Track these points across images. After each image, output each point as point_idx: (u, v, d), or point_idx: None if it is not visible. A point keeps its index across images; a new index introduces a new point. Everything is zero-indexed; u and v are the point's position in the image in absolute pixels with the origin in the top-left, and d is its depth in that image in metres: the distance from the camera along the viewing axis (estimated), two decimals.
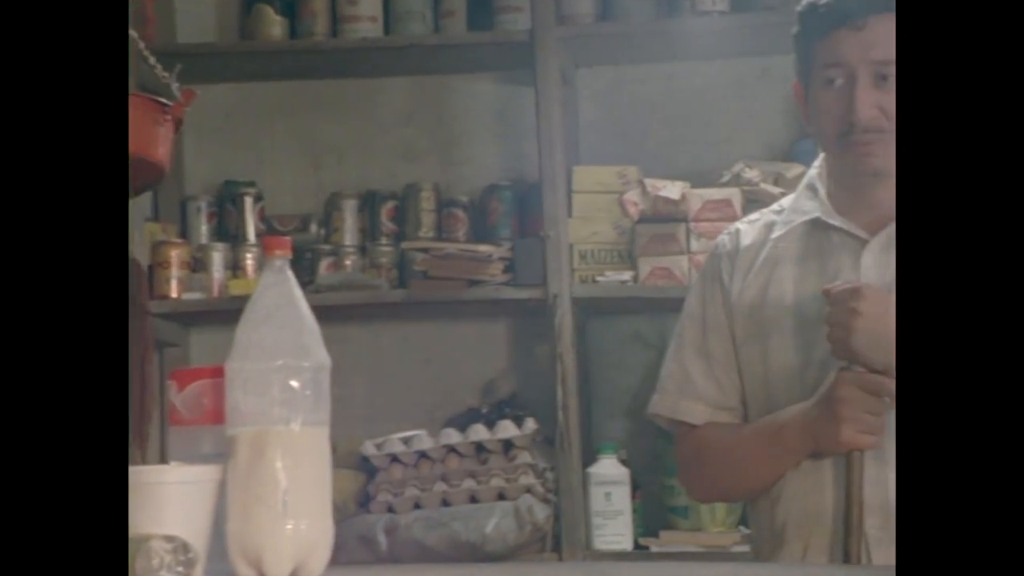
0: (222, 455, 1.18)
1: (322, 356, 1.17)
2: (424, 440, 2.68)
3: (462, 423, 2.74)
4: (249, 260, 2.89)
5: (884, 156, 1.67)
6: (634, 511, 2.77)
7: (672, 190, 2.76)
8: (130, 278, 2.19)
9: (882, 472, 1.64)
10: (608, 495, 2.73)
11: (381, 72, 3.03)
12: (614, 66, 3.01)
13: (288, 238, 1.25)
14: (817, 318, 1.68)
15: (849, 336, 1.60)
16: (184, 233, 2.99)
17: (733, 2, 2.81)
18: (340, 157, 3.09)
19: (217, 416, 1.22)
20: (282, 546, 1.14)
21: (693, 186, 2.78)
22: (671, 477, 2.72)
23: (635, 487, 2.78)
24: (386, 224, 2.98)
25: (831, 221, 1.73)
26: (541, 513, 2.63)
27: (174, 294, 2.84)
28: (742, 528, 2.71)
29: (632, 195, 2.79)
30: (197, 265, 2.88)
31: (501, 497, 2.63)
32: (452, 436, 2.68)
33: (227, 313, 1.18)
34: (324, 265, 2.93)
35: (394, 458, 2.68)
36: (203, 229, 3.00)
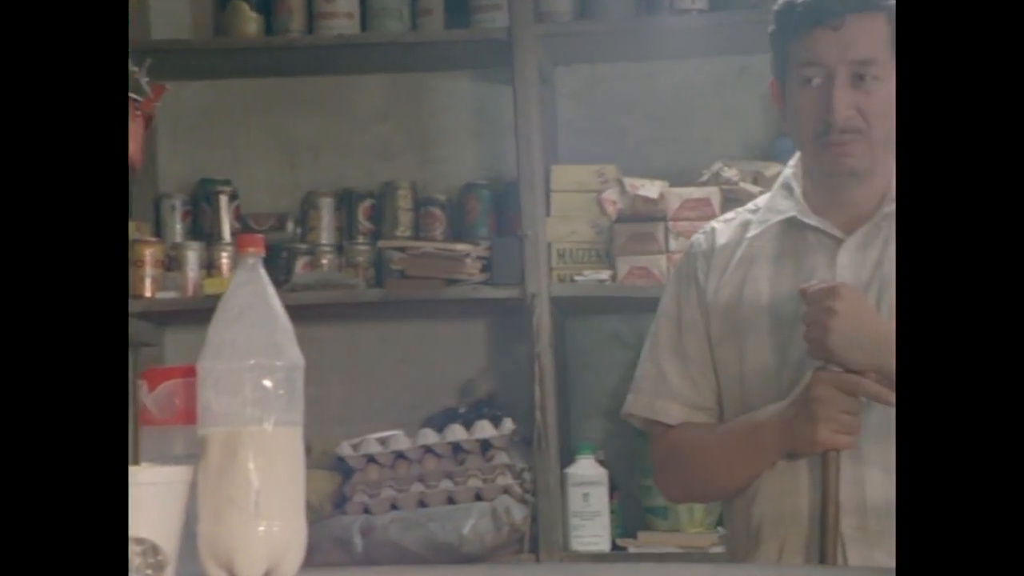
0: (193, 456, 1.16)
1: (295, 355, 1.16)
2: (401, 440, 2.67)
3: (439, 423, 2.73)
4: (224, 259, 2.87)
5: (861, 156, 1.68)
6: (612, 512, 2.76)
7: (651, 189, 2.75)
8: None
9: (858, 472, 1.66)
10: (586, 496, 2.73)
11: (358, 69, 3.02)
12: (592, 64, 3.00)
13: (261, 236, 1.24)
14: (793, 317, 1.68)
15: (826, 335, 1.61)
16: (158, 232, 2.97)
17: (712, 0, 2.81)
18: (316, 155, 3.07)
19: (189, 416, 1.22)
20: (254, 548, 1.13)
21: (672, 185, 2.77)
22: (649, 478, 2.71)
23: (613, 488, 2.78)
24: (363, 223, 2.97)
25: (807, 220, 1.73)
26: (519, 514, 2.62)
27: (148, 293, 2.82)
28: (720, 529, 2.71)
29: (610, 194, 2.78)
30: (171, 264, 2.86)
31: (478, 498, 2.63)
32: (429, 436, 2.67)
33: (202, 312, 1.17)
34: (300, 264, 2.92)
35: (371, 459, 2.67)
36: (178, 228, 2.98)
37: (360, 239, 2.95)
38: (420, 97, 3.05)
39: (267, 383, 1.14)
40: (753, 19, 2.63)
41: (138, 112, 1.37)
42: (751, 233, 1.77)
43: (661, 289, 1.90)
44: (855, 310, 1.61)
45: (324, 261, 2.92)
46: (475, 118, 3.04)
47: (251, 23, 2.93)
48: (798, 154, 1.79)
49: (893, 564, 1.60)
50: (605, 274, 2.75)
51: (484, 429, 2.66)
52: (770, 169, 2.75)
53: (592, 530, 2.72)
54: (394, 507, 2.64)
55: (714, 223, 1.84)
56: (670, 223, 2.73)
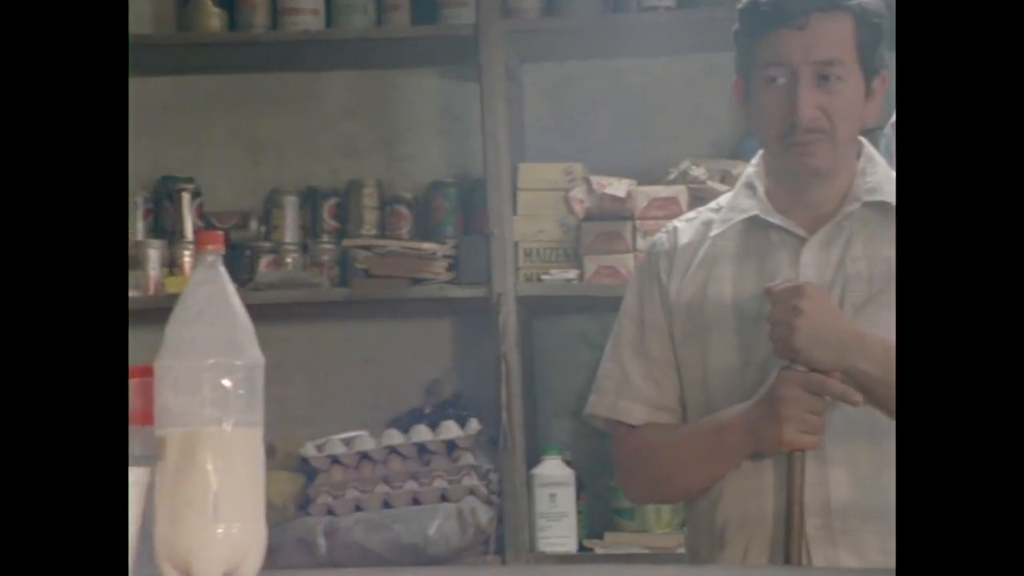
0: (151, 457, 1.15)
1: (255, 354, 1.15)
2: (366, 441, 2.66)
3: (404, 424, 2.72)
4: (186, 258, 2.85)
5: (824, 156, 1.68)
6: (579, 513, 2.75)
7: (618, 187, 2.75)
8: None
9: (822, 472, 1.66)
10: (553, 496, 2.72)
11: (322, 66, 3.00)
12: (560, 62, 2.99)
13: (220, 233, 1.23)
14: (757, 317, 1.68)
15: (792, 334, 1.61)
16: None
17: None
18: (281, 153, 3.05)
19: (146, 417, 1.19)
20: (212, 551, 1.12)
21: (639, 183, 2.77)
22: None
23: (580, 488, 2.77)
24: (328, 221, 2.95)
25: (770, 219, 1.73)
26: (484, 515, 2.61)
27: None
28: (687, 529, 2.70)
29: (578, 192, 2.77)
30: (133, 262, 2.84)
31: (444, 499, 2.62)
32: (394, 437, 2.66)
33: (164, 312, 1.17)
34: (264, 263, 2.89)
35: (335, 459, 2.65)
36: (139, 226, 2.94)
37: (325, 238, 2.93)
38: (386, 94, 3.03)
39: (226, 383, 1.12)
40: (721, 17, 2.62)
41: None
42: (714, 232, 1.77)
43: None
44: (821, 309, 1.61)
45: (288, 260, 2.90)
46: (442, 115, 3.02)
47: (214, 18, 2.90)
48: (760, 152, 1.80)
49: (857, 564, 1.62)
50: (572, 273, 2.75)
51: (450, 430, 2.64)
52: (738, 168, 2.74)
53: (559, 531, 2.71)
54: (358, 508, 2.63)
55: (676, 222, 1.84)
56: (638, 222, 2.73)
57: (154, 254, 2.83)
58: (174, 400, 1.13)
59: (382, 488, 2.63)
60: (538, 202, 2.79)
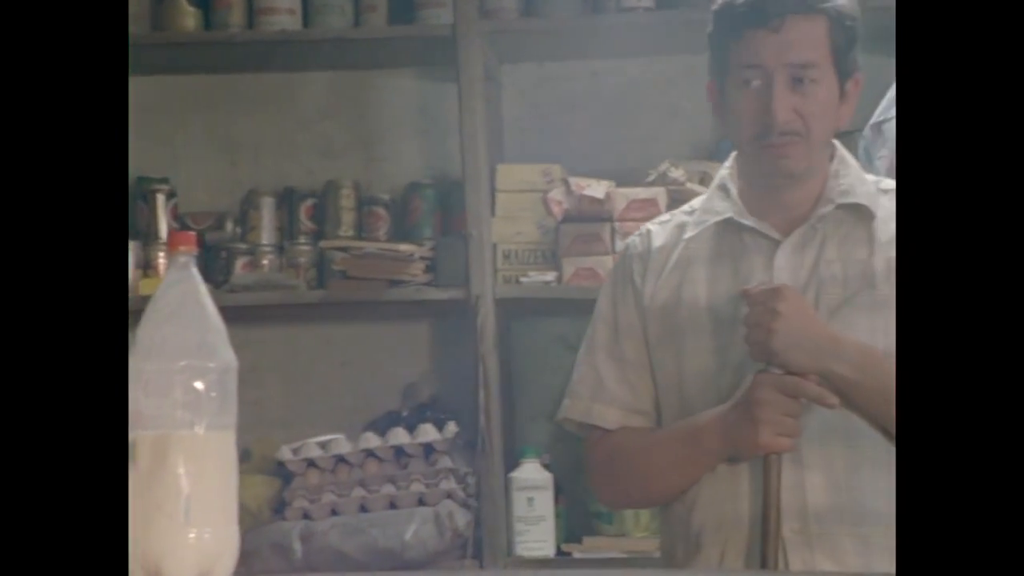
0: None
1: (228, 356, 1.14)
2: (342, 444, 2.65)
3: (382, 427, 2.71)
4: (161, 259, 2.84)
5: (799, 158, 1.68)
6: (557, 516, 2.75)
7: (597, 189, 2.74)
8: None
9: (799, 476, 1.65)
10: (531, 500, 2.71)
11: (299, 66, 2.99)
12: (538, 62, 2.99)
13: (193, 234, 1.22)
14: (731, 320, 1.67)
15: (769, 337, 1.60)
16: None
17: None
18: (257, 153, 3.03)
19: None
20: (184, 556, 1.11)
21: (618, 185, 2.77)
22: None
23: (558, 492, 2.76)
24: (304, 222, 2.94)
25: (743, 221, 1.73)
26: (462, 519, 2.60)
27: None
28: (662, 534, 2.69)
29: (556, 194, 2.76)
30: None
31: (421, 503, 2.61)
32: (371, 440, 2.65)
33: (138, 314, 1.15)
34: (240, 264, 2.88)
35: (311, 463, 2.64)
36: None
37: (301, 239, 2.92)
38: (363, 95, 3.02)
39: (199, 385, 1.11)
40: (699, 18, 2.60)
41: None
42: (688, 235, 1.76)
43: None
44: (798, 312, 1.61)
45: (264, 261, 2.89)
46: (419, 116, 3.01)
47: (190, 18, 2.89)
48: (734, 154, 1.79)
49: (834, 568, 1.62)
50: (551, 275, 2.74)
51: (427, 433, 2.63)
52: (717, 169, 2.74)
53: (537, 535, 2.71)
54: (335, 512, 2.62)
55: (649, 225, 1.84)
56: (616, 224, 2.72)
57: (129, 256, 2.81)
58: (145, 402, 1.11)
59: (359, 492, 2.62)
60: (516, 204, 2.78)
